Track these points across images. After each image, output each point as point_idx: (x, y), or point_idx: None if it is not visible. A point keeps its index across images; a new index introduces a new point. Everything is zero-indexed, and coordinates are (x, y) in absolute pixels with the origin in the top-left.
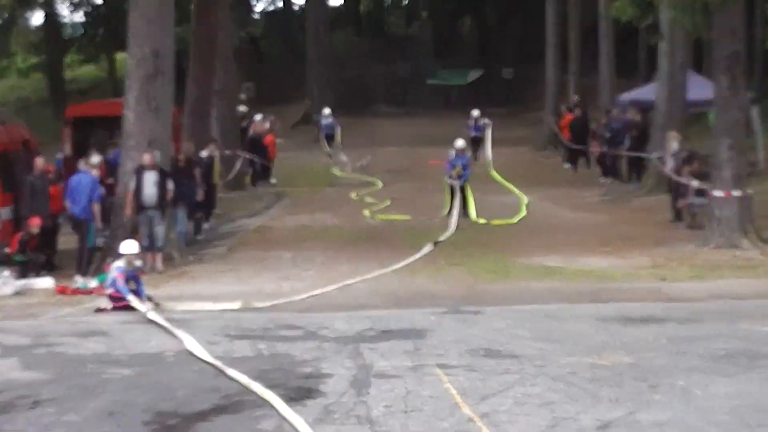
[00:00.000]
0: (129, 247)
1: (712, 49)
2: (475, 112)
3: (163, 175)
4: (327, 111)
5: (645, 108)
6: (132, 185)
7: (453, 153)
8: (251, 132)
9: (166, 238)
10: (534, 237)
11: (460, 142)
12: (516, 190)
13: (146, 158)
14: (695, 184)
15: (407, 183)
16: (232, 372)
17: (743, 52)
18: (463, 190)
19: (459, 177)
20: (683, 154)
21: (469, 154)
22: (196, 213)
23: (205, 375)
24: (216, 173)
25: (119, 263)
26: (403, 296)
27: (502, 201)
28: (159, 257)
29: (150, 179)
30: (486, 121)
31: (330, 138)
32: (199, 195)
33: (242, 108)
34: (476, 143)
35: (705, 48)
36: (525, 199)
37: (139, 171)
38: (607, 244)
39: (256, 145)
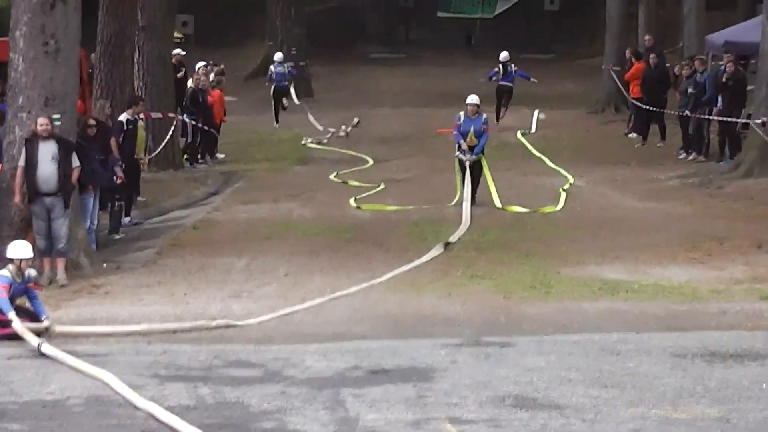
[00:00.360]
0: (19, 249)
1: None
2: (504, 54)
3: (66, 148)
4: (279, 56)
5: (744, 54)
6: (21, 161)
7: (462, 114)
8: (190, 86)
9: (70, 238)
10: (587, 237)
11: (473, 98)
12: (552, 164)
13: (41, 123)
14: None
15: (408, 159)
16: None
17: None
18: (476, 167)
19: (471, 149)
20: None
21: (485, 115)
22: (113, 201)
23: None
24: (140, 145)
25: (4, 272)
26: (402, 322)
27: (538, 183)
28: (61, 264)
29: (47, 153)
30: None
31: (282, 93)
32: (118, 175)
33: (179, 51)
34: (502, 96)
35: None
36: (569, 180)
37: (32, 141)
38: (690, 247)
39: (198, 105)
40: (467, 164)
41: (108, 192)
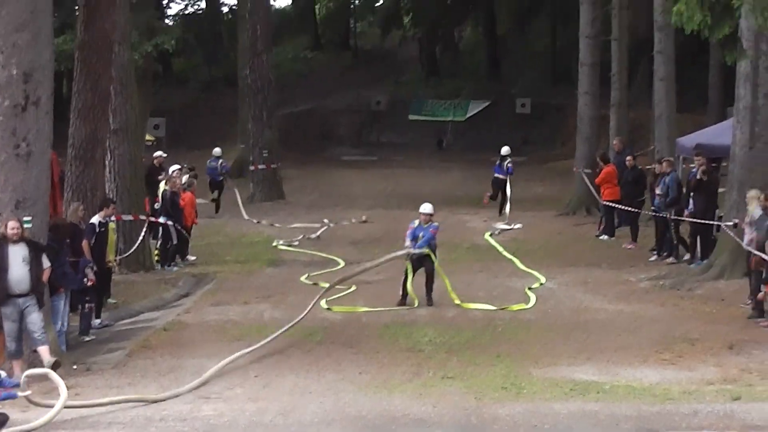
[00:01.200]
0: None
1: None
2: (504, 149)
3: (36, 250)
4: (216, 151)
5: (716, 157)
6: None
7: (416, 220)
8: (165, 188)
9: (46, 329)
10: (559, 339)
11: (426, 208)
12: (522, 266)
13: (11, 226)
14: None
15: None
16: None
17: None
18: (425, 263)
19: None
20: None
21: (437, 222)
22: (84, 303)
23: None
24: (111, 247)
25: None
26: (374, 422)
27: (510, 284)
28: (46, 351)
29: (17, 255)
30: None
31: (215, 187)
32: (88, 277)
33: (161, 153)
34: (496, 187)
35: None
36: (540, 281)
37: (1, 244)
38: (662, 349)
39: (174, 207)
40: (414, 258)
41: (79, 294)
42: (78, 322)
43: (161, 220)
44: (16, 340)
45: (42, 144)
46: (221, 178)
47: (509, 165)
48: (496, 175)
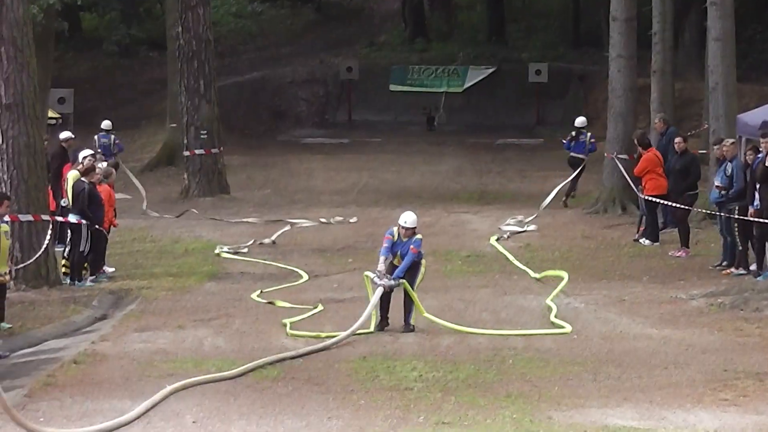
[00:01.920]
0: None
1: None
2: (580, 120)
3: None
4: (106, 123)
5: None
6: None
7: (395, 229)
8: (81, 179)
9: None
10: (587, 374)
11: (408, 220)
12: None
13: (4, 207)
14: None
15: (352, 273)
16: None
17: None
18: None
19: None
20: None
21: (420, 235)
22: None
23: None
24: (3, 256)
25: None
26: None
27: (523, 305)
28: None
29: None
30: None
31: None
32: None
33: (68, 134)
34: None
35: None
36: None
37: None
38: (720, 386)
39: (93, 204)
40: (379, 291)
41: None
42: None
43: (72, 219)
44: None
45: None
46: (114, 157)
47: (592, 141)
48: (573, 154)
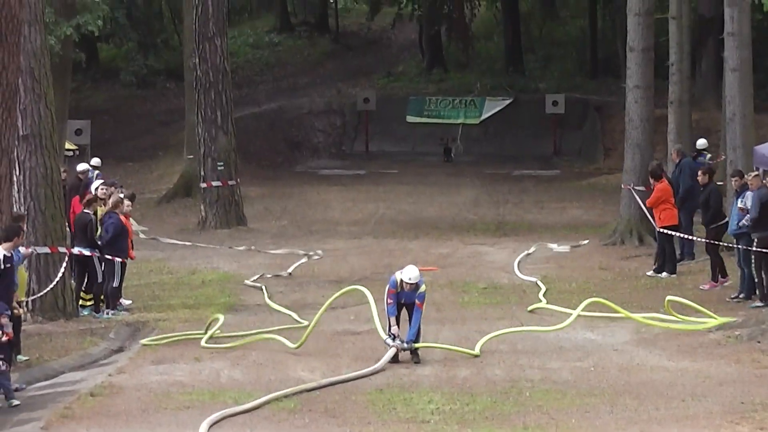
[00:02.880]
0: None
1: None
2: (701, 142)
3: None
4: (96, 160)
5: None
6: None
7: (397, 279)
8: (107, 211)
9: None
10: (604, 407)
11: (411, 275)
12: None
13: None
14: None
15: (368, 306)
16: None
17: None
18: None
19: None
20: None
21: (424, 287)
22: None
23: None
24: (21, 287)
25: None
26: None
27: (538, 335)
28: None
29: None
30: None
31: None
32: (5, 330)
33: (84, 167)
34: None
35: None
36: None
37: None
38: (739, 418)
39: (122, 236)
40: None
41: None
42: None
43: (85, 252)
44: None
45: None
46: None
47: (710, 161)
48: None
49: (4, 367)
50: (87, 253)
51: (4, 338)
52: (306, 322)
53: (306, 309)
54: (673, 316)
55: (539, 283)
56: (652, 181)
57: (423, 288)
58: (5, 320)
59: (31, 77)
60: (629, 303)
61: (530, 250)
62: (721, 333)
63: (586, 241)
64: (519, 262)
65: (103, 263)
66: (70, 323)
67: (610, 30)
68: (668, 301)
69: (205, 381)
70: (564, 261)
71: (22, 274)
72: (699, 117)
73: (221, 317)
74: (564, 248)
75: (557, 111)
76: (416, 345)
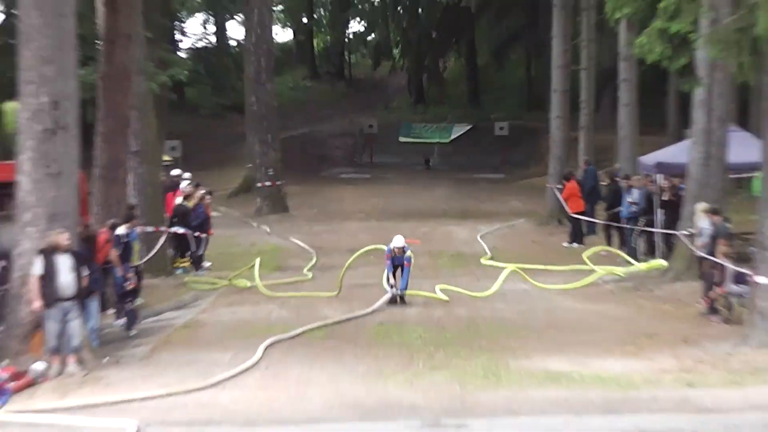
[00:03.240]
0: None
1: (761, 99)
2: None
3: (79, 259)
4: (177, 171)
5: (675, 174)
6: (38, 270)
7: (392, 247)
8: (185, 203)
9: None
10: (534, 335)
11: (398, 241)
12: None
13: (66, 237)
14: (729, 267)
15: (373, 266)
16: None
17: None
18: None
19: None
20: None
21: (410, 253)
22: (126, 303)
23: None
24: (135, 254)
25: None
26: (370, 407)
27: (489, 286)
28: (73, 359)
29: (65, 263)
30: None
31: None
32: (130, 278)
33: (177, 172)
34: None
35: (752, 97)
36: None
37: (49, 253)
38: (625, 342)
39: (206, 220)
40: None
41: (122, 296)
42: (126, 320)
43: (180, 230)
44: (58, 337)
45: (70, 164)
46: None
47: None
48: None
49: (132, 306)
50: (182, 231)
51: (131, 286)
52: (311, 274)
53: (332, 269)
54: (590, 266)
55: (487, 250)
56: (564, 182)
57: (409, 253)
58: (131, 274)
59: (139, 111)
60: (554, 263)
61: (490, 229)
62: (614, 285)
63: (522, 220)
64: (481, 236)
65: (193, 238)
66: (169, 279)
67: (540, 77)
68: (587, 257)
69: (261, 318)
70: (507, 236)
71: (135, 246)
72: (600, 138)
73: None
74: (507, 226)
75: (503, 134)
76: (406, 292)
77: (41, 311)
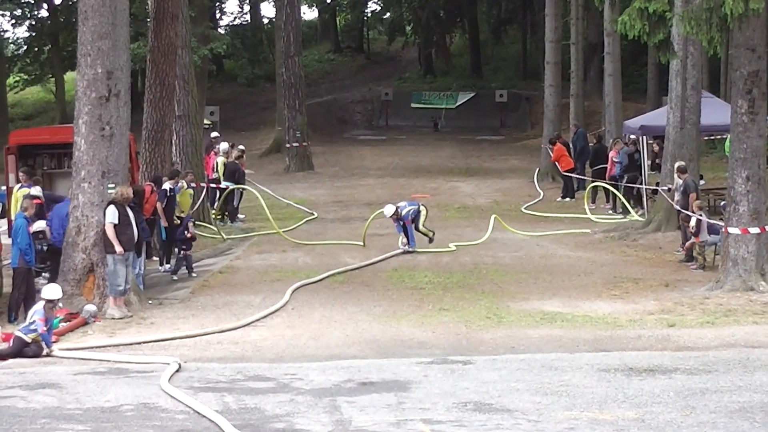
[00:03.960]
0: (53, 292)
1: (729, 69)
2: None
3: (136, 212)
4: (215, 134)
5: (657, 135)
6: (114, 219)
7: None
8: (222, 159)
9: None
10: (531, 279)
11: (387, 210)
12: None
13: (130, 191)
14: (692, 219)
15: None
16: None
17: (765, 71)
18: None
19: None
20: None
21: (406, 211)
22: (181, 250)
23: (167, 431)
24: (186, 206)
25: (40, 309)
26: (385, 344)
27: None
28: (120, 301)
29: (130, 215)
30: None
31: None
32: (189, 230)
33: (215, 134)
34: None
35: (722, 68)
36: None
37: (119, 205)
38: (612, 286)
39: (241, 176)
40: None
41: (179, 242)
42: (186, 265)
43: (229, 185)
44: (125, 282)
45: (121, 127)
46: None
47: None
48: None
49: (189, 252)
50: (232, 185)
51: (189, 235)
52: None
53: (352, 221)
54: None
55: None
56: (550, 145)
57: (406, 211)
58: (190, 224)
59: (183, 80)
60: (546, 216)
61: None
62: (602, 235)
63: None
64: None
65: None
66: (207, 229)
67: (535, 51)
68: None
69: (288, 264)
70: (506, 191)
71: (186, 199)
72: (588, 104)
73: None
74: (506, 184)
75: (502, 100)
76: (414, 250)
77: (121, 255)
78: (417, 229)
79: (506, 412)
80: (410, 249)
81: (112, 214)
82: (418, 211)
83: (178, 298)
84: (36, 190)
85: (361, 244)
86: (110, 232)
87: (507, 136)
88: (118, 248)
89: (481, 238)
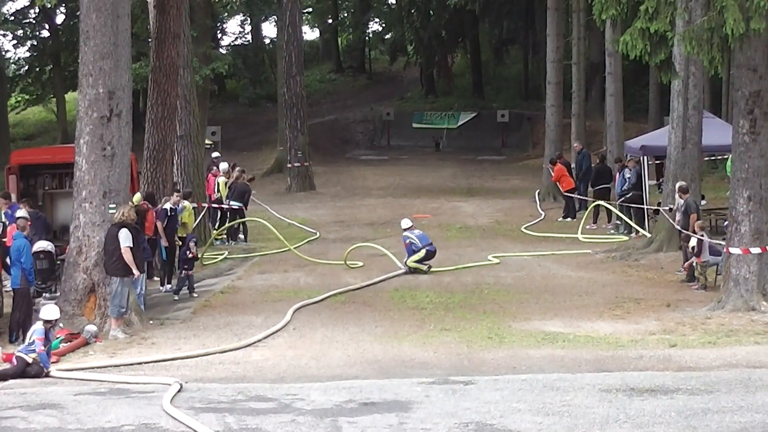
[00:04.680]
0: (50, 312)
1: (731, 89)
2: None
3: (137, 233)
4: (216, 154)
5: (657, 156)
6: (129, 243)
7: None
8: (223, 179)
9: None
10: (532, 299)
11: (405, 222)
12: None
13: (133, 213)
14: (692, 239)
15: (389, 238)
16: None
17: (767, 91)
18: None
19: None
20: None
21: (405, 234)
22: (183, 270)
23: None
24: (190, 224)
25: (40, 329)
26: (387, 364)
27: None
28: (122, 322)
29: (134, 236)
30: None
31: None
32: (192, 250)
33: (216, 154)
34: None
35: (724, 88)
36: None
37: (130, 227)
38: (613, 306)
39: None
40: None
41: (181, 262)
42: (186, 285)
43: (233, 204)
44: (126, 304)
45: (123, 147)
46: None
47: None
48: None
49: (191, 273)
50: (237, 205)
51: (191, 255)
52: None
53: (353, 240)
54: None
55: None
56: (551, 165)
57: (411, 239)
58: (192, 244)
59: (185, 100)
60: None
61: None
62: (603, 255)
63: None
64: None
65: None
66: (224, 249)
67: (537, 71)
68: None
69: (290, 284)
70: (507, 211)
71: (191, 219)
72: (590, 124)
73: None
74: (508, 204)
75: (504, 120)
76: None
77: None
78: (406, 261)
79: None
80: (406, 270)
81: (126, 238)
82: (419, 250)
83: (179, 318)
84: (22, 212)
85: (361, 264)
86: (128, 256)
87: (508, 156)
88: (136, 271)
89: (485, 260)
